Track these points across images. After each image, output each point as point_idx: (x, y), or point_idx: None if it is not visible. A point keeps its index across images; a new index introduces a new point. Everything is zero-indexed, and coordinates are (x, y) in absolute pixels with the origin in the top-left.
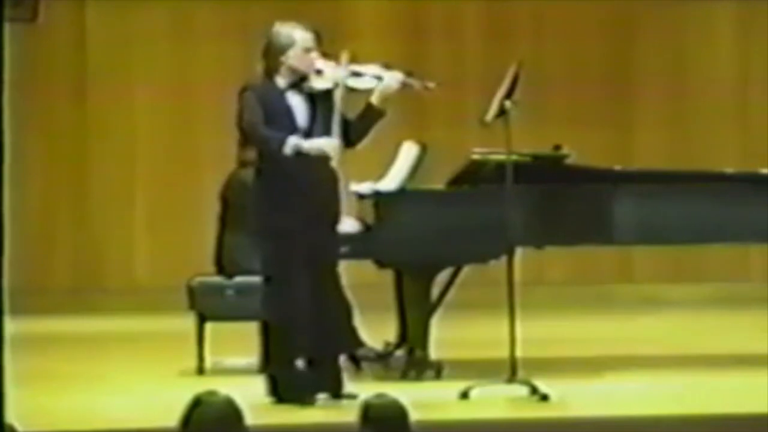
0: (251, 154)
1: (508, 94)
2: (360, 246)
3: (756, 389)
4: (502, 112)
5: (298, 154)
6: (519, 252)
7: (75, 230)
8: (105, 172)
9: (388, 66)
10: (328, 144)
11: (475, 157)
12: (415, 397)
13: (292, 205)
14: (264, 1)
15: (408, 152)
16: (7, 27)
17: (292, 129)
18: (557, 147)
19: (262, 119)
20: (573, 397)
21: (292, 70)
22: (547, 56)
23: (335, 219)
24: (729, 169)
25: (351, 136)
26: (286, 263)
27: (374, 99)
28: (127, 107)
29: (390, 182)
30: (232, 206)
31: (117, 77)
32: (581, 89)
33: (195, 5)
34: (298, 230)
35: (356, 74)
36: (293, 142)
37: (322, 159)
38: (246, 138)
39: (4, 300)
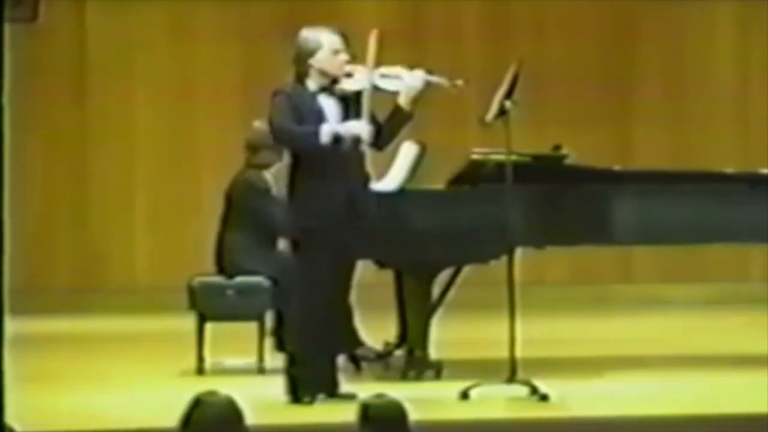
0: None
1: (508, 94)
2: (360, 246)
3: (756, 389)
4: (502, 112)
5: (334, 152)
6: (519, 252)
7: (75, 230)
8: (105, 172)
9: (412, 67)
10: (360, 126)
11: (475, 157)
12: (415, 397)
13: (325, 207)
14: (264, 1)
15: (408, 152)
16: (7, 27)
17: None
18: (557, 147)
19: (292, 121)
20: (573, 397)
21: (322, 73)
22: (547, 56)
23: (365, 219)
24: (729, 169)
25: (378, 138)
26: (318, 264)
27: (401, 101)
28: (127, 107)
29: (390, 182)
30: (236, 206)
31: (117, 77)
32: (581, 89)
33: (195, 5)
34: (331, 231)
35: (384, 76)
36: (327, 128)
37: (357, 159)
38: (278, 141)
39: (4, 300)
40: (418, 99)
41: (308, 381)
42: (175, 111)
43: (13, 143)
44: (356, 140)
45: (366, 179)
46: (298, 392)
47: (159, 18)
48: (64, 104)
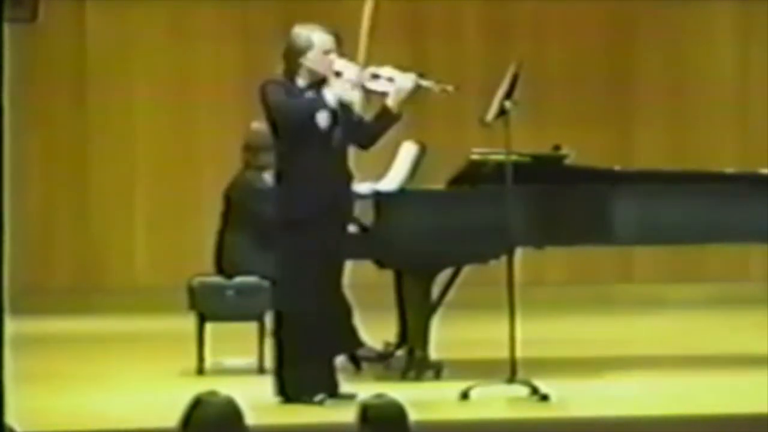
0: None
1: (508, 94)
2: (360, 246)
3: (756, 389)
4: (502, 112)
5: (319, 152)
6: (519, 252)
7: (75, 230)
8: (105, 172)
9: (401, 68)
10: (352, 93)
11: (475, 157)
12: (415, 397)
13: (309, 204)
14: (264, 1)
15: (408, 152)
16: (7, 27)
17: (312, 129)
18: (557, 147)
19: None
20: (573, 397)
21: (312, 72)
22: (547, 56)
23: (348, 218)
24: (729, 169)
25: (365, 138)
26: (303, 263)
27: (389, 102)
28: (127, 107)
29: (390, 182)
30: (235, 206)
31: (117, 77)
32: (581, 89)
33: (195, 5)
34: (315, 230)
35: (375, 76)
36: (329, 92)
37: (340, 159)
38: (278, 118)
39: (4, 300)
40: (405, 101)
41: (302, 380)
42: (175, 111)
43: (13, 143)
44: (346, 135)
45: (349, 178)
46: (287, 391)
47: (159, 18)
48: (64, 104)
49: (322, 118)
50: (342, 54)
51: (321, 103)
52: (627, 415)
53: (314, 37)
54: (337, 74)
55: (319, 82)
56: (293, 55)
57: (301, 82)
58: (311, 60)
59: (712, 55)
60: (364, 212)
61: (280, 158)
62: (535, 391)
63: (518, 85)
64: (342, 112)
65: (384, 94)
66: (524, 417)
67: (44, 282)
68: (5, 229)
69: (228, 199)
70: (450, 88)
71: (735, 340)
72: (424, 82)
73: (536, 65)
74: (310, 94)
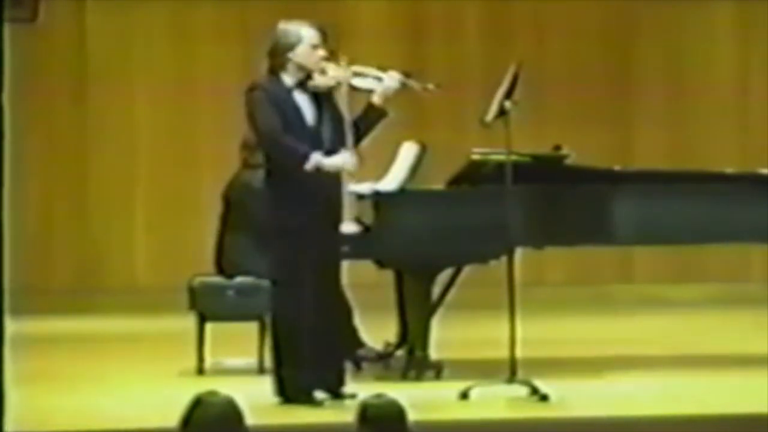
0: (259, 157)
1: (508, 95)
2: (360, 246)
3: (756, 389)
4: (502, 112)
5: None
6: (519, 252)
7: (75, 230)
8: (105, 172)
9: (384, 68)
10: (347, 162)
11: (475, 157)
12: (415, 397)
13: (299, 205)
14: (264, 1)
15: (408, 152)
16: (7, 27)
17: (303, 128)
18: (557, 147)
19: (280, 125)
20: (573, 397)
21: (300, 68)
22: (547, 56)
23: (338, 219)
24: (729, 169)
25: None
26: (294, 264)
27: (376, 99)
28: (127, 107)
29: (390, 182)
30: (234, 206)
31: (117, 77)
32: (581, 89)
33: (195, 5)
34: (306, 230)
35: (358, 74)
36: (315, 159)
37: None
38: (263, 144)
39: (4, 300)
40: (389, 98)
41: (301, 381)
42: (175, 111)
43: (13, 143)
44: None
45: (339, 177)
46: (286, 392)
47: (159, 18)
48: (64, 104)
49: (311, 165)
50: (329, 50)
51: (305, 160)
52: (627, 415)
53: (302, 31)
54: (322, 71)
55: (304, 80)
56: (281, 50)
57: (287, 79)
58: (300, 54)
59: (712, 55)
60: (364, 212)
61: (268, 161)
62: (535, 391)
63: (518, 85)
64: (330, 107)
65: (369, 92)
66: (524, 417)
67: (44, 282)
68: (5, 229)
69: (227, 200)
70: (431, 86)
71: (735, 340)
72: (408, 82)
73: (536, 65)
74: (296, 93)
